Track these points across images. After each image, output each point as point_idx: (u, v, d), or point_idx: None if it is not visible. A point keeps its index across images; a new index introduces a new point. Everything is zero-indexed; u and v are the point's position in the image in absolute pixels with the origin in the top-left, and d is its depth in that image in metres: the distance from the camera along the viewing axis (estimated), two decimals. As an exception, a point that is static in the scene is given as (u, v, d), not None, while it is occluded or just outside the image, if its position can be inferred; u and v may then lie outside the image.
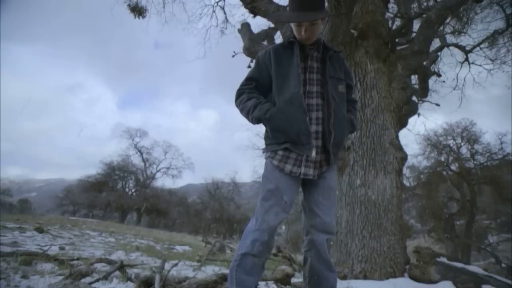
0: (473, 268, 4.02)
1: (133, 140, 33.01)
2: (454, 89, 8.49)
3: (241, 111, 1.75)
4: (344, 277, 3.77)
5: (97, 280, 2.54)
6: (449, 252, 15.41)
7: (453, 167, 17.72)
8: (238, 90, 1.79)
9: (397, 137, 4.46)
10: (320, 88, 1.69)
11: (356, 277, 3.77)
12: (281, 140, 1.65)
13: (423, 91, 6.25)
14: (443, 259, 3.99)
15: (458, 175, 17.00)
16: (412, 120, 7.99)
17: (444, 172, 17.88)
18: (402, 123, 4.91)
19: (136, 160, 32.96)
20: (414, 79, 7.08)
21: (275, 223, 1.59)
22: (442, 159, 17.81)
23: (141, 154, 33.09)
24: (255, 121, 1.68)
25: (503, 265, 13.86)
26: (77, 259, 3.91)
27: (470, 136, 17.12)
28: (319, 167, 1.67)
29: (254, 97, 1.72)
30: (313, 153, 1.61)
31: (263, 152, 1.78)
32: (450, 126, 17.65)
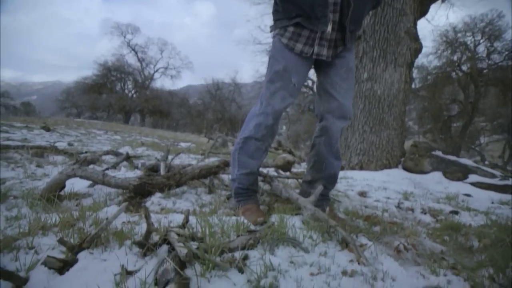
0: (464, 160, 4.20)
1: (124, 37, 30.94)
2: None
3: None
4: (341, 168, 3.99)
5: (106, 169, 2.66)
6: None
7: (464, 68, 16.92)
8: None
9: (415, 25, 3.99)
10: None
11: (353, 168, 3.98)
12: (292, 13, 1.40)
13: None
14: (438, 153, 4.13)
15: (467, 76, 16.38)
16: (433, 9, 7.06)
17: (454, 73, 17.20)
18: (423, 10, 4.33)
19: (132, 59, 31.71)
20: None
21: (281, 107, 1.48)
22: (455, 58, 16.83)
23: (136, 53, 31.54)
24: None
25: (486, 162, 14.87)
26: (86, 152, 4.07)
27: (492, 32, 15.56)
28: (334, 47, 1.46)
29: None
30: (329, 28, 1.38)
31: (271, 31, 1.55)
32: (472, 19, 15.96)
